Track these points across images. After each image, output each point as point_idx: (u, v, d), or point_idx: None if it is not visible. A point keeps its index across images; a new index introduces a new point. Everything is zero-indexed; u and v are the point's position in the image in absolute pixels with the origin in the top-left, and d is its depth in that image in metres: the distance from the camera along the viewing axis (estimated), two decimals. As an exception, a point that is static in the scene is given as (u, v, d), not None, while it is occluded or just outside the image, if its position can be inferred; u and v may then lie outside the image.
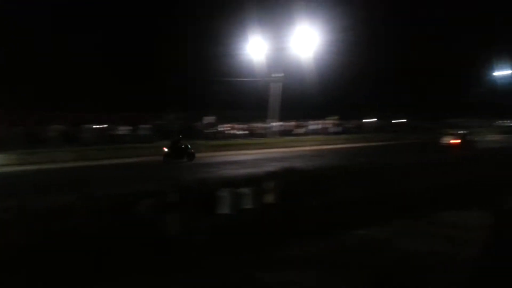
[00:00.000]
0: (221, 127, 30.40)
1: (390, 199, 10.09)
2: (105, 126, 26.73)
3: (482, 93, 47.19)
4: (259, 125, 31.62)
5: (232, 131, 30.52)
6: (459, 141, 24.86)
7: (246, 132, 31.08)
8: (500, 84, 45.21)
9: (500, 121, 51.02)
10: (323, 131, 33.61)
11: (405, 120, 41.50)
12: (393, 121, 40.96)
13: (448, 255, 6.50)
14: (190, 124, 29.28)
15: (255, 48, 30.12)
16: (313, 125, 33.86)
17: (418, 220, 9.09)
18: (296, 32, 29.07)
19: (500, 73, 44.45)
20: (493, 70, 43.19)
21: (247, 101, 33.68)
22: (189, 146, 20.26)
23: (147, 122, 27.66)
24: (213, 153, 23.59)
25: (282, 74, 29.66)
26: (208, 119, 30.34)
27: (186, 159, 19.76)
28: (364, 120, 38.85)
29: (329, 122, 34.78)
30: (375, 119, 39.42)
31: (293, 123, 33.21)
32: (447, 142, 25.31)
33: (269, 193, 8.93)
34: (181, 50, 34.61)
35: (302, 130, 32.77)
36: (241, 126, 31.31)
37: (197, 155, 21.43)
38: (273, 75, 29.92)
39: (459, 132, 26.78)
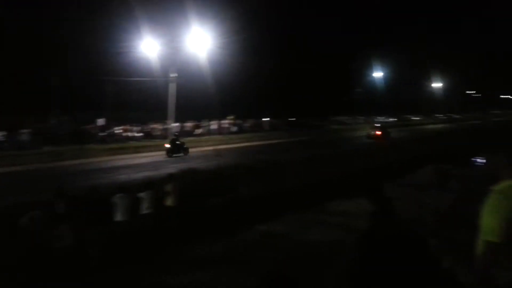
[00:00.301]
0: (117, 129, 28.66)
1: (288, 193, 10.62)
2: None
3: (361, 92, 52.40)
4: (157, 126, 30.63)
5: (127, 134, 28.96)
6: (380, 132, 30.81)
7: (142, 134, 29.81)
8: (377, 84, 50.77)
9: (379, 118, 57.19)
10: (222, 131, 33.94)
11: (294, 118, 44.02)
12: (289, 119, 43.19)
13: (339, 241, 7.05)
14: (80, 127, 27.11)
15: (149, 47, 29.13)
16: (213, 125, 33.97)
17: (314, 211, 9.71)
18: (190, 32, 28.85)
19: (376, 74, 49.86)
20: (371, 71, 48.26)
21: (147, 101, 32.33)
22: (184, 143, 23.57)
23: (27, 127, 24.74)
24: (109, 158, 22.18)
25: (176, 74, 29.17)
26: (101, 121, 28.38)
27: (182, 153, 22.83)
28: (263, 119, 40.23)
29: (226, 122, 35.21)
30: (269, 118, 41.09)
31: (191, 124, 32.89)
32: (373, 133, 31.09)
33: (168, 196, 8.71)
34: (63, 47, 31.71)
35: (200, 131, 32.63)
36: (137, 128, 29.92)
37: (87, 160, 20.22)
38: (171, 75, 29.27)
39: (379, 125, 34.77)
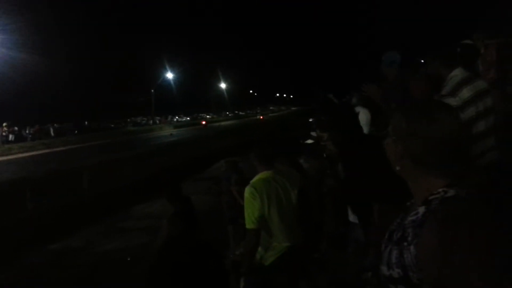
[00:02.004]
0: None
1: (87, 202, 9.81)
2: None
3: (155, 93, 52.45)
4: None
5: None
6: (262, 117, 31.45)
7: None
8: (170, 85, 51.72)
9: (175, 117, 58.57)
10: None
11: (86, 122, 40.92)
12: (81, 123, 39.62)
13: (143, 244, 6.94)
14: None
15: None
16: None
17: (117, 218, 9.26)
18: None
19: (169, 75, 50.60)
20: (165, 73, 48.77)
21: None
22: None
23: None
24: None
25: None
26: None
27: None
28: (50, 125, 35.53)
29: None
30: (56, 123, 36.87)
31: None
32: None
33: None
34: None
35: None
36: None
37: None
38: None
39: None
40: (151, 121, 49.51)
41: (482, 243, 0.88)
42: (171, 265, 3.01)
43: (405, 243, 1.00)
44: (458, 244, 0.88)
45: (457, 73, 2.83)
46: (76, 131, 36.91)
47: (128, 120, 48.92)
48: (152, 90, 45.26)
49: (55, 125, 36.77)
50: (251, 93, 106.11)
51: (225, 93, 74.09)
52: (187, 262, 2.32)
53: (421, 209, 1.02)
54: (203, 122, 32.31)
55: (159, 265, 3.34)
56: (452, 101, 2.72)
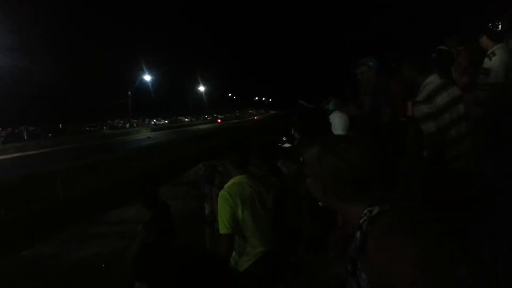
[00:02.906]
0: None
1: (60, 208, 9.57)
2: None
3: (132, 96, 51.64)
4: None
5: None
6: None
7: None
8: (148, 87, 51.06)
9: (153, 120, 57.84)
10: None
11: (60, 124, 39.97)
12: (57, 125, 38.67)
13: (118, 250, 6.80)
14: None
15: None
16: None
17: (92, 223, 9.05)
18: None
19: (147, 78, 50.01)
20: (142, 75, 48.13)
21: None
22: None
23: None
24: None
25: None
26: None
27: None
28: (23, 128, 34.46)
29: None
30: (30, 125, 35.87)
31: None
32: None
33: None
34: None
35: None
36: None
37: None
38: None
39: None
40: (127, 124, 48.75)
41: (413, 251, 0.90)
42: (146, 271, 2.96)
43: (358, 272, 1.04)
44: (393, 253, 0.92)
45: (432, 80, 2.88)
46: (50, 134, 35.98)
47: (104, 123, 48.04)
48: (129, 93, 44.61)
49: (28, 127, 35.73)
50: (230, 96, 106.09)
51: (204, 96, 73.82)
52: (165, 269, 2.28)
53: (358, 235, 1.07)
54: (219, 121, 32.71)
55: (134, 272, 3.29)
56: (425, 108, 2.78)
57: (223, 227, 2.67)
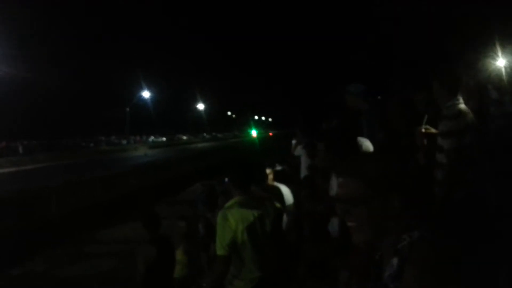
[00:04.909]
0: None
1: (52, 224, 9.36)
2: None
3: (130, 112, 51.69)
4: None
5: None
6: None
7: None
8: (146, 104, 51.12)
9: (151, 137, 57.79)
10: None
11: (56, 139, 39.80)
12: (52, 140, 38.49)
13: (111, 270, 6.60)
14: None
15: None
16: None
17: (84, 241, 8.83)
18: None
19: (145, 94, 50.01)
20: (141, 91, 48.20)
21: None
22: None
23: None
24: None
25: None
26: None
27: None
28: (19, 142, 34.30)
29: None
30: (25, 140, 35.70)
31: None
32: None
33: None
34: None
35: None
36: None
37: None
38: None
39: None
40: (125, 141, 48.61)
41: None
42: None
43: None
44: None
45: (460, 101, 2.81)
46: (45, 149, 35.77)
47: (101, 139, 47.92)
48: (127, 109, 44.64)
49: (24, 142, 35.56)
50: (229, 115, 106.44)
51: (203, 114, 73.99)
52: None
53: (394, 261, 1.02)
54: (270, 134, 33.10)
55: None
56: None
57: (220, 248, 2.57)
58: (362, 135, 3.77)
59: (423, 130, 2.88)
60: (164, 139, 61.04)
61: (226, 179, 2.86)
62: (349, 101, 3.99)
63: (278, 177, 3.96)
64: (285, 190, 3.64)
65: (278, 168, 4.25)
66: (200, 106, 72.32)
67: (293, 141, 5.86)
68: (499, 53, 3.99)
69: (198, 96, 69.93)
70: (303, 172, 4.52)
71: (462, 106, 2.76)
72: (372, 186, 1.06)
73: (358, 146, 3.32)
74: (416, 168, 3.18)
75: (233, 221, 2.59)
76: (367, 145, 3.57)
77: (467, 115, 2.74)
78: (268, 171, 3.67)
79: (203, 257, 5.56)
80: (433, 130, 2.88)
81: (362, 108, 4.00)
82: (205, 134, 79.71)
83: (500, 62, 3.95)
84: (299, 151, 4.98)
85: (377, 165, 1.12)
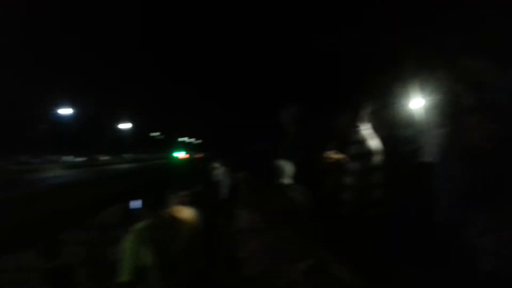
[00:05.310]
0: None
1: None
2: None
3: (46, 129, 48.15)
4: None
5: None
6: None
7: None
8: (65, 122, 47.94)
9: (67, 157, 54.01)
10: None
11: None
12: None
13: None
14: None
15: None
16: None
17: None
18: None
19: (63, 111, 46.89)
20: (56, 108, 44.99)
21: None
22: None
23: None
24: None
25: None
26: None
27: None
28: None
29: None
30: None
31: None
32: None
33: None
34: None
35: None
36: None
37: None
38: None
39: None
40: (37, 160, 44.83)
41: None
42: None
43: None
44: None
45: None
46: None
47: (11, 157, 43.75)
48: (44, 126, 41.46)
49: None
50: (157, 135, 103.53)
51: (128, 134, 71.05)
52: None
53: None
54: (197, 156, 31.77)
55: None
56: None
57: (124, 273, 2.41)
58: (289, 158, 3.81)
59: (331, 155, 3.03)
60: (82, 159, 57.39)
61: (139, 202, 2.74)
62: (281, 122, 4.01)
63: (195, 200, 3.86)
64: (194, 212, 3.56)
65: (196, 190, 4.16)
66: (126, 126, 69.43)
67: (215, 164, 5.83)
68: (411, 94, 4.29)
69: (124, 115, 67.16)
70: (223, 195, 4.48)
71: (367, 131, 2.97)
72: (267, 220, 1.09)
73: (280, 170, 3.34)
74: (325, 192, 3.29)
75: (139, 243, 2.46)
76: (287, 168, 3.63)
77: (372, 140, 2.94)
78: (183, 193, 3.57)
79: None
80: (339, 156, 3.03)
81: (292, 130, 4.05)
82: (128, 154, 76.55)
83: (411, 101, 4.27)
84: (219, 173, 4.96)
85: (277, 199, 1.15)
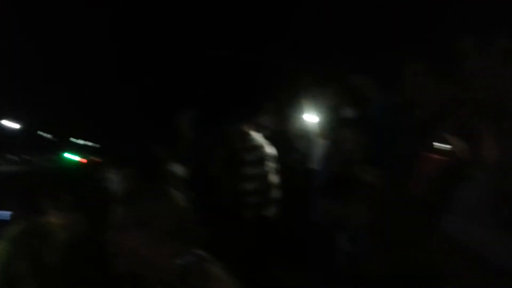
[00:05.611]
0: None
1: None
2: None
3: None
4: None
5: None
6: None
7: None
8: None
9: None
10: None
11: None
12: None
13: None
14: None
15: None
16: None
17: None
18: None
19: None
20: None
21: None
22: None
23: None
24: None
25: None
26: None
27: None
28: None
29: None
30: None
31: None
32: None
33: None
34: None
35: None
36: None
37: None
38: None
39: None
40: None
41: None
42: None
43: None
44: None
45: None
46: None
47: None
48: None
49: None
50: (49, 135, 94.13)
51: (12, 134, 63.12)
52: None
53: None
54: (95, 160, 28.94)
55: None
56: None
57: None
58: (183, 162, 3.76)
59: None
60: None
61: (7, 213, 2.48)
62: (177, 126, 3.98)
63: (79, 204, 3.60)
64: (76, 217, 3.35)
65: (80, 193, 3.84)
66: (12, 124, 61.60)
67: (108, 167, 5.49)
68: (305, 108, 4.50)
69: (10, 113, 59.48)
70: (111, 197, 4.22)
71: (262, 139, 3.21)
72: (141, 218, 1.14)
73: (168, 173, 3.29)
74: (226, 197, 3.36)
75: (13, 252, 2.22)
76: (177, 171, 3.58)
77: (267, 146, 3.17)
78: (65, 197, 3.32)
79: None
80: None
81: (187, 135, 4.01)
82: (13, 156, 68.29)
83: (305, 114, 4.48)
84: (110, 176, 4.67)
85: (157, 200, 1.19)
